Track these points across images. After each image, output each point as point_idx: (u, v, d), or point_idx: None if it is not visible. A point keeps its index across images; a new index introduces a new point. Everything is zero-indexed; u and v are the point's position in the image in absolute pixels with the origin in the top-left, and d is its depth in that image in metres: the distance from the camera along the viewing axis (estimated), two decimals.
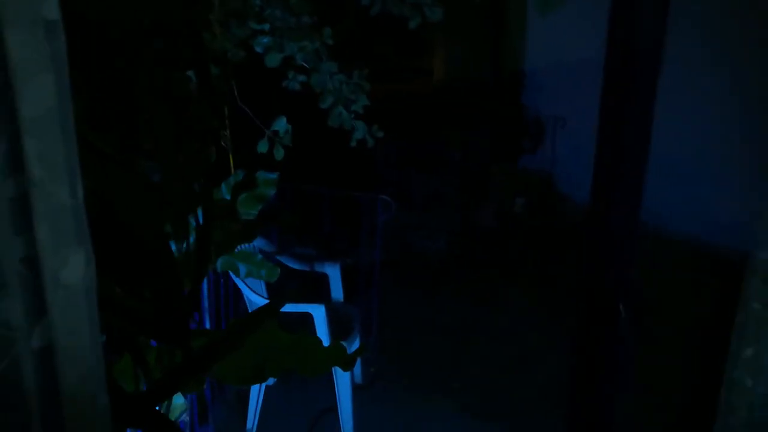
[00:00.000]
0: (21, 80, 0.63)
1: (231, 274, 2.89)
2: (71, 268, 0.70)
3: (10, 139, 0.64)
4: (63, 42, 0.66)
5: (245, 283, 2.83)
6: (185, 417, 2.27)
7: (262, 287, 3.13)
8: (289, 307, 2.89)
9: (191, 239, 1.46)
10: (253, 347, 1.45)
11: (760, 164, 4.43)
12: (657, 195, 1.51)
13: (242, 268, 2.01)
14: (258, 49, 2.32)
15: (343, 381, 2.94)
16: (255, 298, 2.89)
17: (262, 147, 2.35)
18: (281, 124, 2.39)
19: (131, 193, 1.16)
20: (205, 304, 2.83)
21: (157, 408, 1.80)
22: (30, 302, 0.70)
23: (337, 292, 3.34)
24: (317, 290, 3.45)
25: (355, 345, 3.27)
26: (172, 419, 1.92)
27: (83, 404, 0.73)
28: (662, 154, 2.13)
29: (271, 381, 3.31)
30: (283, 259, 3.27)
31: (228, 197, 1.95)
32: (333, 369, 2.91)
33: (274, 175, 2.05)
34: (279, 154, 2.34)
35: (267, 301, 2.90)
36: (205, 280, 2.84)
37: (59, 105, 0.66)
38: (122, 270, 1.19)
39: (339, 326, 3.03)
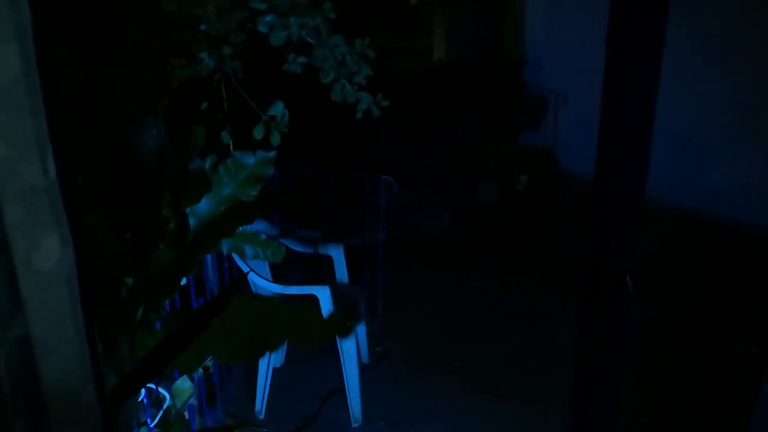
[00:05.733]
0: None
1: (235, 257, 2.89)
2: (44, 253, 0.66)
3: None
4: (26, 11, 0.63)
5: (249, 267, 2.82)
6: (193, 401, 2.27)
7: (266, 270, 3.13)
8: (294, 290, 2.89)
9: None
10: (252, 323, 1.44)
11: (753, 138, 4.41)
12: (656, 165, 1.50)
13: (248, 250, 2.00)
14: (262, 29, 2.26)
15: (350, 361, 2.95)
16: (260, 281, 2.89)
17: (258, 132, 2.31)
18: (278, 109, 2.35)
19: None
20: (209, 287, 2.83)
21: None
22: (2, 290, 0.67)
23: (341, 273, 3.34)
24: (322, 272, 3.45)
25: (361, 325, 3.28)
26: (179, 404, 1.92)
27: (67, 397, 0.70)
28: (668, 126, 2.11)
29: (278, 363, 3.32)
30: (286, 242, 3.25)
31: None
32: (339, 349, 2.93)
33: (271, 154, 2.03)
34: (275, 139, 2.29)
35: (272, 284, 2.91)
36: (209, 264, 2.84)
37: (25, 76, 0.62)
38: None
39: (344, 307, 3.03)
